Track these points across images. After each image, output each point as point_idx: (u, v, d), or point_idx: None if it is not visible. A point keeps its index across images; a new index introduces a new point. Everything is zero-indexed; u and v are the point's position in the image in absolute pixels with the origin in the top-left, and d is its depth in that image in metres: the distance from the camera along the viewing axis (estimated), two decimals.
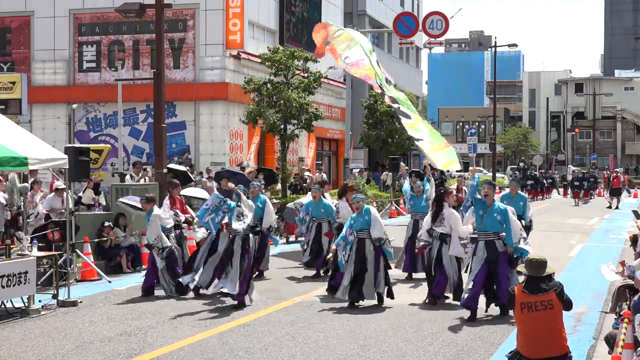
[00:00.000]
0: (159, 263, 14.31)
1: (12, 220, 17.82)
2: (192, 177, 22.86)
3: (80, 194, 20.74)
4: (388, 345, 10.53)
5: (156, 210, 14.54)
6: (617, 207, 39.05)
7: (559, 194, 54.02)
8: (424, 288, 14.56)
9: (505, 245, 12.17)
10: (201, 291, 14.23)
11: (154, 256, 14.39)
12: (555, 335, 7.48)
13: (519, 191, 17.70)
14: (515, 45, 53.29)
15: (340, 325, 11.78)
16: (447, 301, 13.45)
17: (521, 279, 8.45)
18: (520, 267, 7.91)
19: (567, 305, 7.61)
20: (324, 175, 32.90)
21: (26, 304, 12.67)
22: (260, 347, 10.39)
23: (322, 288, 14.55)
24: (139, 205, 15.85)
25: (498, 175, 57.13)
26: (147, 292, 14.38)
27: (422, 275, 15.07)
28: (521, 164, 56.50)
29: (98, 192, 21.18)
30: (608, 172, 51.15)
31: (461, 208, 13.49)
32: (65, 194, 17.00)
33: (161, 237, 14.26)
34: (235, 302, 13.17)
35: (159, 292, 14.45)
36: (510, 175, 19.96)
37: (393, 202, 33.60)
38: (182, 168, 23.37)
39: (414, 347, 10.44)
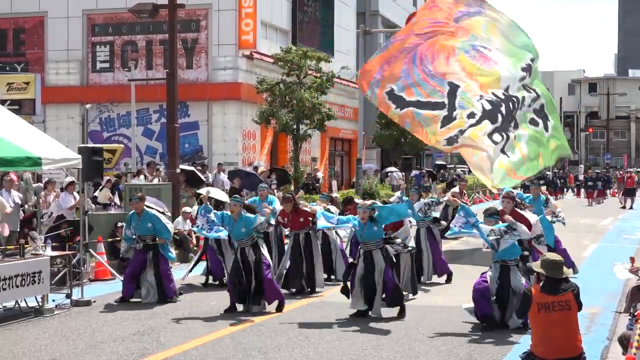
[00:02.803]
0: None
1: (26, 219, 17.91)
2: (202, 177, 22.84)
3: (96, 193, 20.79)
4: (401, 346, 10.52)
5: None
6: (631, 207, 38.83)
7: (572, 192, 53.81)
8: (437, 289, 14.55)
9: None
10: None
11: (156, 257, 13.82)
12: (571, 336, 7.46)
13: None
14: None
15: (353, 325, 11.77)
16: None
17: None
18: (536, 267, 7.80)
19: (579, 307, 7.63)
20: (319, 174, 32.83)
21: (40, 304, 12.72)
22: (274, 347, 10.39)
23: (335, 288, 14.52)
24: (161, 210, 15.85)
25: None
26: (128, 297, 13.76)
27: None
28: None
29: (114, 192, 21.24)
30: (622, 172, 50.86)
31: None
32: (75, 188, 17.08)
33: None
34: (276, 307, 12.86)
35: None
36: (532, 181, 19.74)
37: None
38: (189, 167, 23.34)
39: (427, 347, 10.42)
